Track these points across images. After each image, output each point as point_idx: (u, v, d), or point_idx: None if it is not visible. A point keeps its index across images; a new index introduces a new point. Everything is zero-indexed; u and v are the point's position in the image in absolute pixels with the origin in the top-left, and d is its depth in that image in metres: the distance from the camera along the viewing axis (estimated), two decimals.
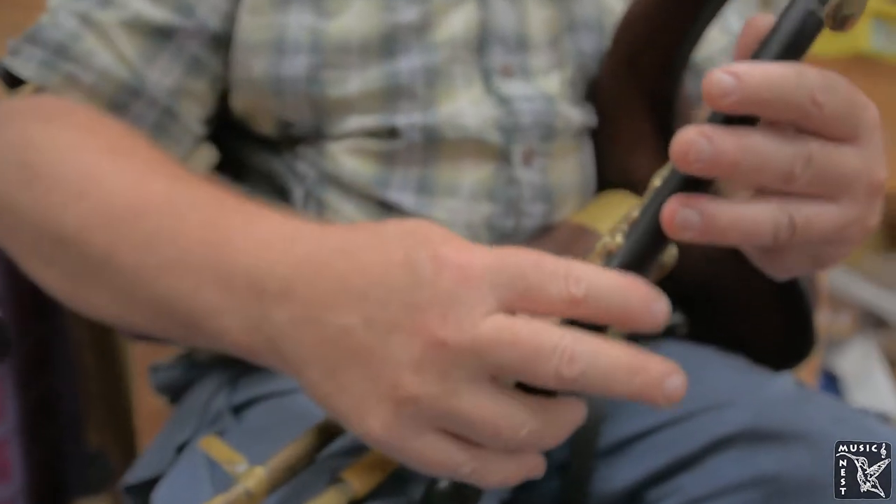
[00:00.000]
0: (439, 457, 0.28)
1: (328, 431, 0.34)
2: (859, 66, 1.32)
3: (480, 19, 0.49)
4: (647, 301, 0.27)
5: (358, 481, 0.32)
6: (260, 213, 0.35)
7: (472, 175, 0.48)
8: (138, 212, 0.36)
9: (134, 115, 0.46)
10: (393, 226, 0.30)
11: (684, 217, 0.28)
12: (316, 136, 0.49)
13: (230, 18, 0.48)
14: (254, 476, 0.32)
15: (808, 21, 0.28)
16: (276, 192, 0.51)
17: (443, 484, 0.30)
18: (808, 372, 1.39)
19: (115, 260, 0.36)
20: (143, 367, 0.64)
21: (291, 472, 0.33)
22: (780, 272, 0.35)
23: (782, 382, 0.47)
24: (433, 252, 0.28)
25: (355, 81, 0.47)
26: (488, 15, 0.50)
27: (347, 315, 0.28)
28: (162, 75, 0.47)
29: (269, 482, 0.32)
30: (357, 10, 0.47)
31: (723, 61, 0.58)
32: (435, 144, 0.48)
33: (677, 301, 0.53)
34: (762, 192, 0.29)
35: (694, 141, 0.27)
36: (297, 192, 0.49)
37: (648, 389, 0.27)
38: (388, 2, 0.48)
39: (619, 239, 0.29)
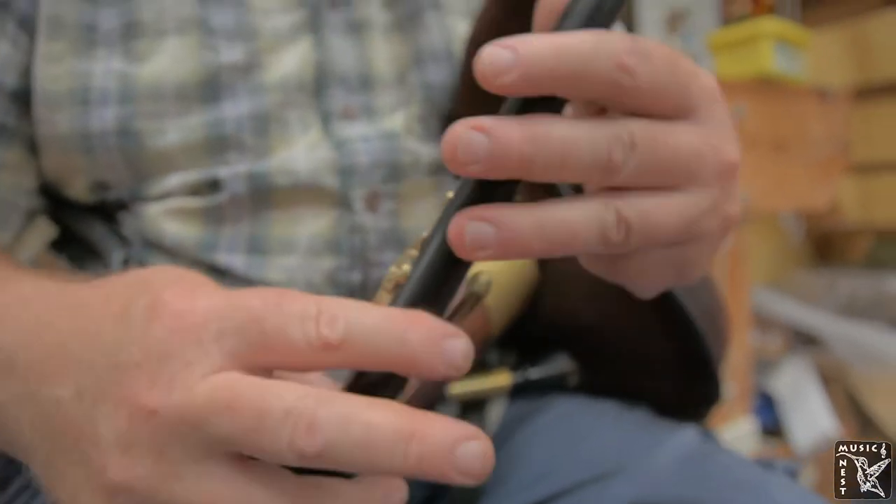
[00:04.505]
0: None
1: None
2: (764, 87, 1.33)
3: (317, 59, 0.44)
4: (434, 338, 0.21)
5: None
6: (16, 277, 0.30)
7: (309, 227, 0.43)
8: None
9: None
10: (131, 274, 0.25)
11: (475, 232, 0.22)
12: (133, 199, 0.43)
13: (27, 72, 0.42)
14: None
15: None
16: (99, 259, 0.45)
17: None
18: (742, 394, 1.37)
19: None
20: None
21: None
22: (640, 287, 0.28)
23: (682, 440, 0.41)
24: (151, 299, 0.22)
25: (174, 132, 0.41)
26: (326, 55, 0.45)
27: (60, 385, 0.23)
28: None
29: None
30: (171, 52, 0.42)
31: None
32: (264, 195, 0.42)
33: (566, 347, 0.48)
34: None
35: (463, 137, 0.21)
36: (116, 256, 0.43)
37: (433, 462, 0.20)
38: (208, 40, 0.42)
39: (406, 268, 0.24)
